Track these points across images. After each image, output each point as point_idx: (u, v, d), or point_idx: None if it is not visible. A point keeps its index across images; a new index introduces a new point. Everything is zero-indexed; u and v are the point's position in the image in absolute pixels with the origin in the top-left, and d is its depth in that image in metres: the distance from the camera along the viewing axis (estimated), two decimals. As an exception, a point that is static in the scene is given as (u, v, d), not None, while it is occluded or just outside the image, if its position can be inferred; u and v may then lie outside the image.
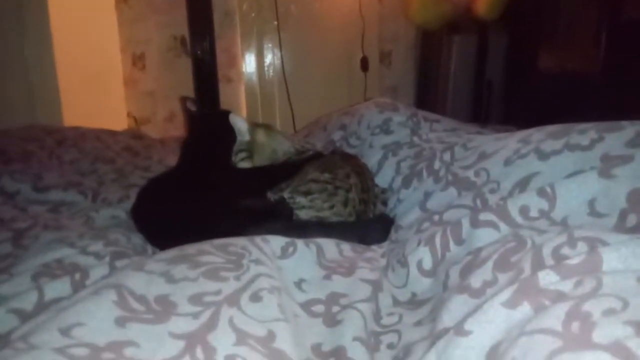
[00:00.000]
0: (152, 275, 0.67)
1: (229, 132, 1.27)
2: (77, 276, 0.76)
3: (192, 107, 1.31)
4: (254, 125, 1.26)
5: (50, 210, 1.14)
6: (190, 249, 0.77)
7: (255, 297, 0.64)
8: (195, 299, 0.62)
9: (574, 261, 0.51)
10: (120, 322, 0.57)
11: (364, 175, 1.13)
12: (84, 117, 2.58)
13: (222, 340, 0.56)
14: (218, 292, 0.64)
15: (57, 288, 0.73)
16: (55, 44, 2.53)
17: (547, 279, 0.50)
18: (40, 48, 2.52)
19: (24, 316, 0.67)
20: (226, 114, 1.27)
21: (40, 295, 0.71)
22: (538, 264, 0.56)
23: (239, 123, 1.24)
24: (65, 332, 0.54)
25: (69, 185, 1.25)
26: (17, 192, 1.22)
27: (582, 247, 0.56)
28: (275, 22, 2.86)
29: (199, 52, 2.75)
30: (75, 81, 2.69)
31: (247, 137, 1.24)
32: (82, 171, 1.40)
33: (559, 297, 0.47)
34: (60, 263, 0.83)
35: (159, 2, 2.94)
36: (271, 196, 1.08)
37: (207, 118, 1.38)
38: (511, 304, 0.49)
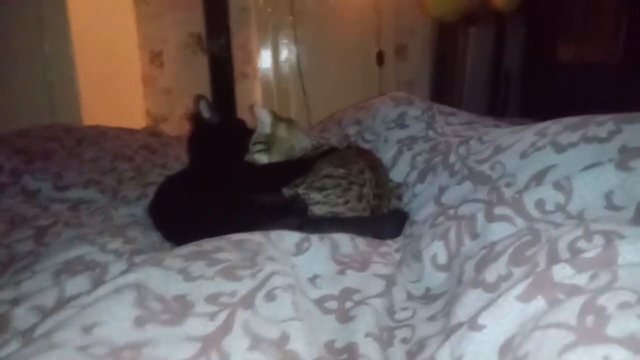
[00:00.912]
0: (170, 272, 0.68)
1: (240, 133, 1.29)
2: (97, 272, 0.78)
3: (205, 109, 1.32)
4: (277, 119, 1.27)
5: (71, 208, 1.16)
6: (207, 244, 0.78)
7: (270, 296, 0.65)
8: (212, 299, 0.63)
9: (589, 254, 0.51)
10: (139, 322, 0.58)
11: (378, 170, 1.12)
12: (102, 115, 2.62)
13: (236, 345, 0.56)
14: (234, 293, 0.64)
15: (77, 284, 0.75)
16: (74, 43, 2.57)
17: (562, 272, 0.50)
18: (59, 47, 2.56)
19: (45, 313, 0.68)
20: (234, 119, 1.29)
21: (61, 292, 0.73)
22: (553, 258, 0.56)
23: (263, 115, 1.25)
24: (86, 330, 0.56)
25: (89, 184, 1.27)
26: (38, 191, 1.25)
27: (598, 240, 0.55)
28: (291, 18, 2.86)
29: (215, 49, 2.77)
30: (94, 79, 2.73)
31: (268, 130, 1.25)
32: (101, 169, 1.43)
33: (574, 290, 0.46)
34: (81, 260, 0.85)
35: None
36: (286, 192, 1.09)
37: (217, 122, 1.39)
38: (525, 297, 0.49)
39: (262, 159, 1.25)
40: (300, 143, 1.27)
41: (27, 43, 2.55)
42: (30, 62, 2.55)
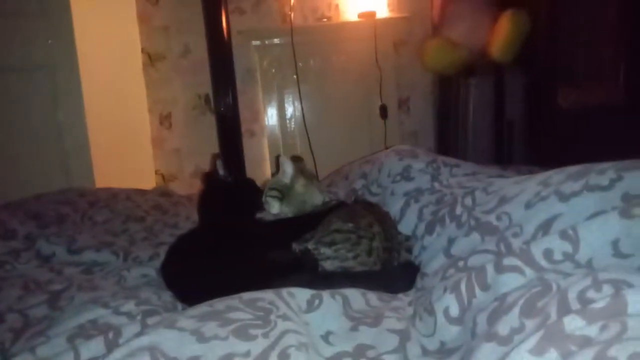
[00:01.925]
0: (183, 334, 0.68)
1: (250, 191, 1.32)
2: (111, 336, 0.78)
3: (221, 167, 1.37)
4: (297, 174, 1.31)
5: (84, 271, 1.17)
6: (219, 304, 0.79)
7: (284, 355, 0.65)
8: (226, 361, 0.63)
9: (599, 305, 0.51)
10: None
11: (386, 223, 1.14)
12: (114, 176, 2.68)
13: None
14: (247, 353, 0.65)
15: (91, 348, 0.75)
16: (87, 109, 2.67)
17: (573, 324, 0.50)
18: (72, 115, 2.66)
19: (62, 379, 0.69)
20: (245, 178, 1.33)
21: (76, 356, 0.73)
22: (564, 309, 0.56)
23: (287, 166, 1.30)
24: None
25: (102, 246, 1.29)
26: (52, 255, 1.27)
27: (607, 289, 0.56)
28: (295, 76, 2.96)
29: (222, 108, 2.85)
30: (106, 143, 2.81)
31: (287, 181, 1.29)
32: (113, 231, 1.45)
33: (585, 342, 0.47)
34: (95, 323, 0.86)
35: (184, 64, 3.09)
36: (296, 248, 1.10)
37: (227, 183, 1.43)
38: (538, 351, 0.49)
39: (274, 205, 1.30)
40: (313, 200, 1.30)
41: (42, 112, 2.65)
42: (44, 130, 2.64)
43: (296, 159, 1.42)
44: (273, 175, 1.36)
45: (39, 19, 2.58)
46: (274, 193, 1.29)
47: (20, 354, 0.78)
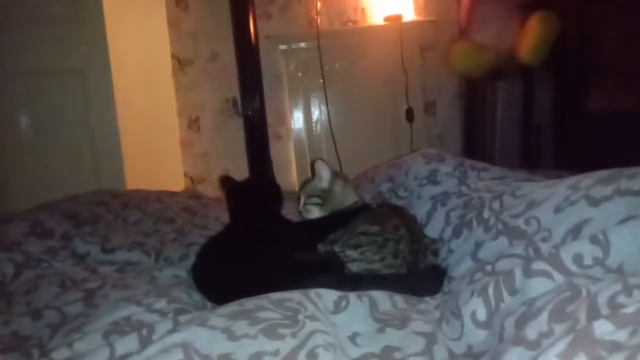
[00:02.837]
0: (214, 332, 0.70)
1: (270, 193, 1.35)
2: (144, 332, 0.81)
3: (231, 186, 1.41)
4: (335, 175, 1.32)
5: (118, 270, 1.21)
6: (249, 304, 0.80)
7: (312, 355, 0.66)
8: (256, 358, 0.66)
9: (629, 310, 0.51)
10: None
11: (413, 226, 1.14)
12: (143, 179, 2.75)
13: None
14: (276, 352, 0.66)
15: (126, 344, 0.78)
16: (118, 112, 2.74)
17: (603, 328, 0.50)
18: (104, 118, 2.73)
19: (98, 372, 0.71)
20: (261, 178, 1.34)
21: (111, 351, 0.76)
22: (593, 314, 0.56)
23: (323, 170, 1.31)
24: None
25: (134, 246, 1.33)
26: (87, 254, 1.31)
27: (637, 294, 0.55)
28: (321, 80, 2.98)
29: (249, 112, 2.89)
30: (136, 146, 2.88)
31: (325, 185, 1.30)
32: (145, 231, 1.49)
33: (615, 347, 0.47)
34: (128, 320, 0.88)
35: (212, 68, 3.15)
36: (322, 249, 1.11)
37: (245, 185, 1.45)
38: (567, 355, 0.49)
39: (315, 212, 1.30)
40: (348, 200, 1.32)
41: (75, 115, 2.73)
42: (77, 132, 2.72)
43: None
44: (306, 182, 1.36)
45: (72, 25, 2.67)
46: (315, 200, 1.29)
47: (58, 349, 0.81)
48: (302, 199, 1.32)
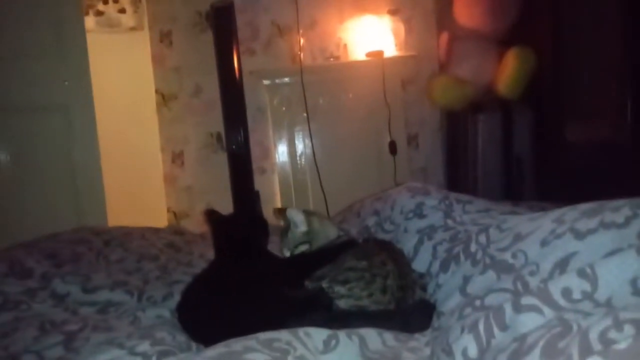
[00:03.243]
0: (200, 376, 0.68)
1: (256, 228, 1.33)
2: (127, 378, 0.78)
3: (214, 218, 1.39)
4: (307, 214, 1.31)
5: (99, 311, 1.18)
6: (236, 345, 0.78)
7: (303, 396, 0.64)
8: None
9: (621, 346, 0.51)
10: None
11: (400, 261, 1.13)
12: (127, 214, 2.71)
13: None
14: (266, 394, 0.64)
15: (108, 391, 0.75)
16: (101, 148, 2.71)
17: (596, 366, 0.50)
18: (86, 153, 2.71)
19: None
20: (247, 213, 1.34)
21: (93, 399, 0.73)
22: (586, 350, 0.56)
23: (296, 216, 1.28)
24: None
25: (116, 285, 1.30)
26: (67, 294, 1.28)
27: (628, 330, 0.55)
28: (305, 114, 3.01)
29: (233, 146, 2.89)
30: (118, 182, 2.85)
31: (304, 228, 1.28)
32: (127, 270, 1.46)
33: (610, 385, 0.46)
34: (111, 365, 0.85)
35: (196, 103, 3.17)
36: (309, 285, 1.10)
37: (230, 220, 1.44)
38: (562, 394, 0.49)
39: None
40: (330, 233, 1.30)
41: (57, 151, 2.70)
42: (59, 169, 2.68)
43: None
44: (283, 231, 1.33)
45: (56, 60, 2.67)
46: (304, 247, 1.27)
47: (37, 397, 0.78)
48: (288, 252, 1.29)
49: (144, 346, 0.92)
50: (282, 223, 1.36)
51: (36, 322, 1.09)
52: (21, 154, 2.63)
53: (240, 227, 1.38)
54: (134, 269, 1.46)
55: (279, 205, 3.08)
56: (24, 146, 2.64)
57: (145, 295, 1.26)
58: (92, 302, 1.23)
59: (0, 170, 2.62)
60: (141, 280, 1.35)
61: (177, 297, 1.21)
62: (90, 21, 3.18)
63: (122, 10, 3.36)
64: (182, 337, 1.01)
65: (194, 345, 1.00)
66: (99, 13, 3.33)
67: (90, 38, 2.73)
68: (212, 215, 1.41)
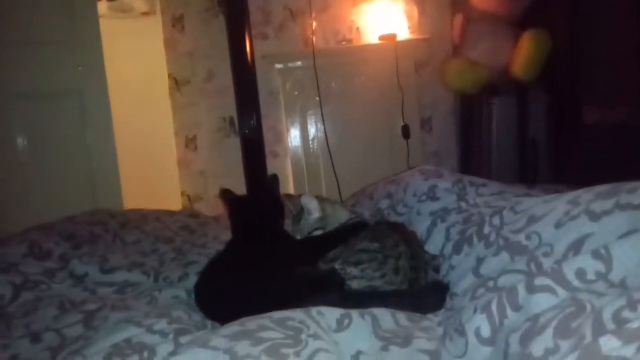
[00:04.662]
0: (217, 353, 0.70)
1: (272, 210, 1.35)
2: (146, 355, 0.80)
3: (231, 198, 1.41)
4: (320, 201, 1.32)
5: (117, 291, 1.20)
6: (251, 324, 0.80)
7: (316, 374, 0.65)
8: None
9: (635, 325, 0.51)
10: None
11: (412, 242, 1.14)
12: (142, 198, 2.74)
13: None
14: (280, 372, 0.65)
15: (128, 368, 0.77)
16: (115, 132, 2.74)
17: (609, 344, 0.50)
18: (101, 138, 2.74)
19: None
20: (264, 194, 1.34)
21: (113, 375, 0.75)
22: (599, 329, 0.56)
23: (310, 202, 1.30)
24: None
25: (133, 266, 1.32)
26: (86, 275, 1.30)
27: (643, 309, 0.55)
28: (318, 98, 3.00)
29: (246, 131, 2.90)
30: (133, 165, 2.88)
31: (318, 214, 1.29)
32: (144, 251, 1.48)
33: (623, 363, 0.47)
34: (129, 343, 0.87)
35: (209, 88, 3.17)
36: (322, 266, 1.11)
37: (247, 201, 1.45)
38: (575, 372, 0.49)
39: None
40: (343, 217, 1.32)
41: (72, 136, 2.73)
42: (74, 153, 2.71)
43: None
44: (295, 218, 1.34)
45: (69, 47, 2.69)
46: (317, 233, 1.29)
47: (59, 373, 0.80)
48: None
49: (162, 325, 0.94)
50: (292, 209, 1.37)
51: (56, 302, 1.12)
52: (38, 140, 2.66)
53: (258, 208, 1.39)
54: (150, 251, 1.49)
55: (292, 189, 3.10)
56: (40, 132, 2.67)
57: (162, 276, 1.28)
58: (110, 283, 1.25)
59: (17, 156, 2.66)
60: (157, 262, 1.38)
61: (192, 278, 1.23)
62: (103, 6, 3.18)
63: (135, -5, 3.36)
64: (198, 317, 1.03)
65: (209, 324, 1.02)
66: (112, -2, 3.33)
67: (103, 24, 2.74)
68: (227, 195, 1.42)
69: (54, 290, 1.22)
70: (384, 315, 0.88)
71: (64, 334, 0.99)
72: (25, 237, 1.43)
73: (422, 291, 1.05)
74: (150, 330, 0.91)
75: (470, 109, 3.01)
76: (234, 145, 3.07)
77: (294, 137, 3.11)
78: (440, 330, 0.87)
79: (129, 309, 1.05)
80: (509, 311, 0.75)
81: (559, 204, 0.92)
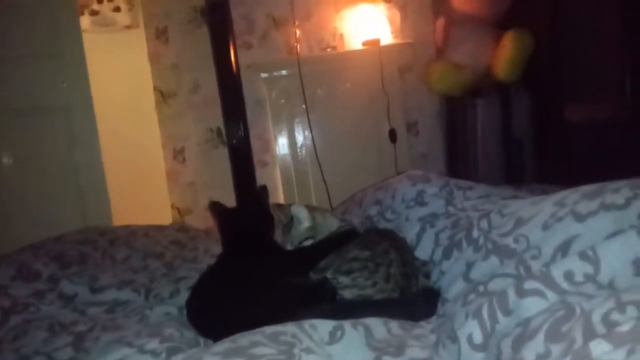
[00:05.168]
0: (209, 371, 0.69)
1: (261, 221, 1.34)
2: (138, 376, 0.79)
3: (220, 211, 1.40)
4: (310, 209, 1.31)
5: (107, 310, 1.19)
6: (243, 340, 0.79)
7: (310, 389, 0.65)
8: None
9: (624, 328, 0.51)
10: None
11: (403, 249, 1.14)
12: (131, 212, 2.72)
13: None
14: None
15: (120, 390, 0.76)
16: (102, 147, 2.72)
17: (600, 348, 0.51)
18: (88, 153, 2.71)
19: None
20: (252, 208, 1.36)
21: (105, 398, 0.74)
22: (589, 333, 0.56)
23: (300, 211, 1.28)
24: None
25: (123, 284, 1.31)
26: (75, 295, 1.29)
27: (631, 311, 0.56)
28: (304, 106, 3.00)
29: (234, 141, 2.89)
30: (121, 180, 2.85)
31: (308, 223, 1.28)
32: (134, 268, 1.47)
33: (613, 367, 0.47)
34: (121, 364, 0.86)
35: (195, 99, 3.16)
36: (313, 276, 1.10)
37: (236, 213, 1.44)
38: (566, 377, 0.49)
39: None
40: (333, 225, 1.30)
41: (58, 152, 2.70)
42: (61, 170, 2.68)
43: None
44: (285, 227, 1.33)
45: (53, 62, 2.66)
46: (309, 242, 1.27)
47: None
48: (292, 248, 1.29)
49: (153, 344, 0.93)
50: (282, 218, 1.37)
51: (45, 324, 1.10)
52: (24, 156, 2.63)
53: (247, 220, 1.38)
54: (140, 267, 1.47)
55: (281, 197, 3.09)
56: (26, 148, 2.64)
57: (152, 293, 1.27)
58: (100, 302, 1.24)
59: (3, 173, 2.62)
60: (147, 278, 1.36)
61: (183, 294, 1.22)
62: (85, 21, 3.16)
63: (117, 9, 3.33)
64: (190, 334, 1.02)
65: (202, 340, 1.01)
66: (94, 12, 3.31)
67: (86, 38, 2.71)
68: (216, 207, 1.42)
69: (43, 312, 1.20)
70: (376, 325, 0.88)
71: (54, 357, 0.98)
72: (13, 259, 1.41)
73: (413, 298, 1.05)
74: (141, 350, 0.90)
75: (455, 111, 3.03)
76: (222, 155, 3.06)
77: (282, 145, 3.11)
78: (432, 338, 0.87)
79: (120, 329, 1.04)
80: (499, 316, 0.75)
81: (545, 205, 0.93)
